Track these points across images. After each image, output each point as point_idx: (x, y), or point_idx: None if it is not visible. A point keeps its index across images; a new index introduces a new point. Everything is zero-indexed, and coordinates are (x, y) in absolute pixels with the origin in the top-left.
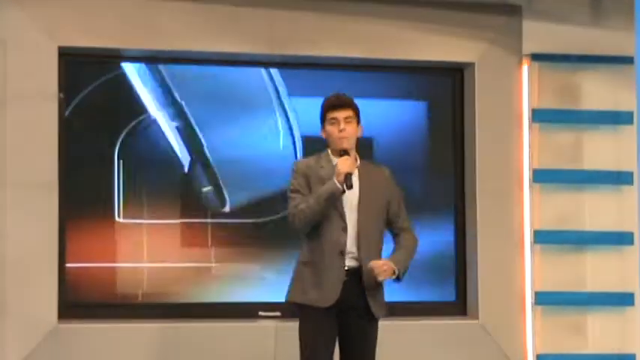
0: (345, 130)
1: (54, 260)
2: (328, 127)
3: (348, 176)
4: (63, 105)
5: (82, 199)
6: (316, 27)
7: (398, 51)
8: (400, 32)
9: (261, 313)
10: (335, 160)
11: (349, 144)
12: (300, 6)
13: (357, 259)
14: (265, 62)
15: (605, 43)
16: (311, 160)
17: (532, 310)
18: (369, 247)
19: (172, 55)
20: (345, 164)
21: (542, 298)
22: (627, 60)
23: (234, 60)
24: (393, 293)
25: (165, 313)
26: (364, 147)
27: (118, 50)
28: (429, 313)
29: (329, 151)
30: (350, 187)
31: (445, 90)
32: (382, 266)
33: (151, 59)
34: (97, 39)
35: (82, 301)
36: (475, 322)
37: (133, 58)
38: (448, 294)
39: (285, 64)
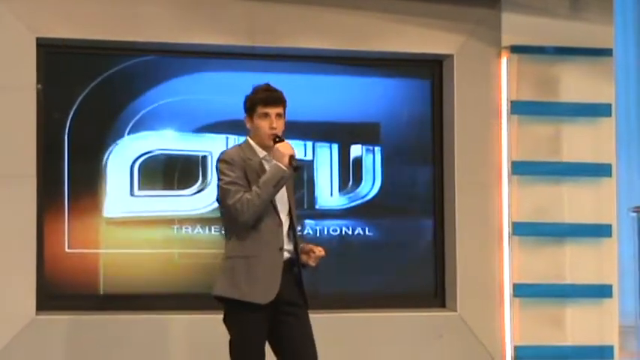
0: (276, 127)
1: (32, 252)
2: (258, 121)
3: (293, 158)
4: (41, 96)
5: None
6: (296, 19)
7: (377, 43)
8: (379, 24)
9: None
10: (260, 151)
11: None
12: None
13: (289, 251)
14: (245, 54)
15: (584, 36)
16: (238, 151)
17: (510, 302)
18: (296, 236)
19: (151, 47)
20: (286, 147)
21: (521, 290)
22: (606, 52)
23: (215, 52)
24: (371, 284)
25: (147, 304)
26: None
27: (97, 42)
28: (407, 304)
29: (250, 142)
30: (297, 168)
31: (424, 82)
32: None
33: (129, 51)
34: (75, 30)
35: (61, 292)
36: (453, 313)
37: (112, 50)
38: (426, 286)
39: (265, 56)
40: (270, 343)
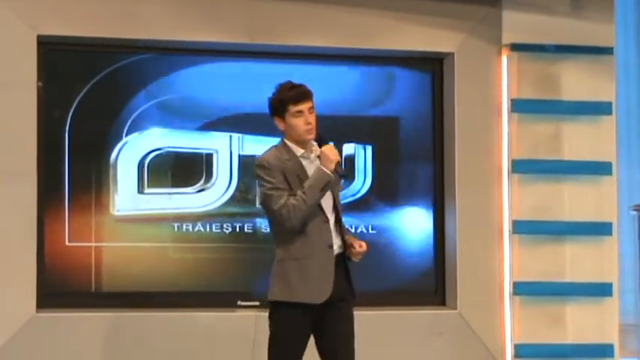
0: (311, 122)
1: (32, 249)
2: (292, 120)
3: (339, 164)
4: (42, 93)
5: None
6: (296, 17)
7: (377, 41)
8: (379, 22)
9: (240, 302)
10: (297, 149)
11: (314, 134)
12: None
13: (339, 246)
14: (244, 52)
15: (584, 34)
16: (275, 153)
17: (510, 300)
18: (343, 230)
19: (151, 44)
20: (333, 152)
21: (521, 288)
22: (607, 50)
23: (214, 50)
24: (371, 282)
25: (145, 301)
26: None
27: (97, 39)
28: (407, 302)
29: (287, 142)
30: (344, 175)
31: (424, 80)
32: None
33: (129, 49)
34: (75, 28)
35: (61, 290)
36: (454, 311)
37: (112, 48)
38: (427, 283)
39: (264, 54)
40: (313, 336)
